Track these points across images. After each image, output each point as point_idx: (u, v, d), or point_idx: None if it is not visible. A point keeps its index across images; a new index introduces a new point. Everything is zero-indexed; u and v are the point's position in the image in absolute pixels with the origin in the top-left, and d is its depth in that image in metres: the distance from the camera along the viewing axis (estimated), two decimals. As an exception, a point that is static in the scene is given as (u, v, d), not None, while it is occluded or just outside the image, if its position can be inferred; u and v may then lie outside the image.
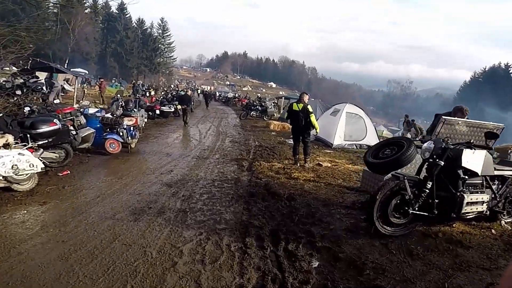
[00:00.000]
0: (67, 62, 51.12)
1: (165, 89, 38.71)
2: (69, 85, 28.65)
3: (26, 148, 5.14)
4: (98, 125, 8.68)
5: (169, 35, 71.40)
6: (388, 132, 30.41)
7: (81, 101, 11.19)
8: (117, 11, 64.88)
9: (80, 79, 35.48)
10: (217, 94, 52.41)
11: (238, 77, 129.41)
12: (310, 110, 8.20)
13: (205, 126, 15.89)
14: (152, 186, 5.83)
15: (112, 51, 61.45)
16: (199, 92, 48.03)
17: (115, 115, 8.58)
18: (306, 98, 8.46)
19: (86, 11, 60.12)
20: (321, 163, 8.47)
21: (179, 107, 19.25)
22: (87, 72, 44.09)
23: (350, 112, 12.54)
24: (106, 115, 8.50)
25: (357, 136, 12.48)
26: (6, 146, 4.87)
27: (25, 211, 4.40)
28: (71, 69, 43.76)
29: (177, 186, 5.85)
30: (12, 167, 4.83)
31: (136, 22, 67.25)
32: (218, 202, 5.17)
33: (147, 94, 28.65)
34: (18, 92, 13.96)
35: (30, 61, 17.22)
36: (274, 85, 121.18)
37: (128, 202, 4.94)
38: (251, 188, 5.99)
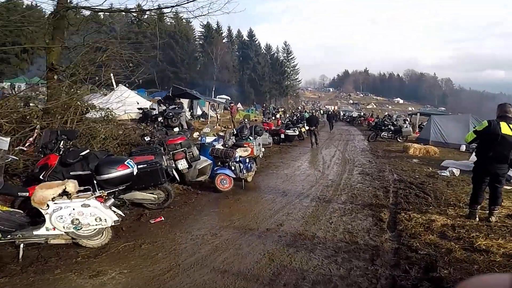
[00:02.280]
0: (213, 89, 56.08)
1: (293, 111, 37.69)
2: (212, 110, 30.02)
3: (96, 197, 3.80)
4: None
5: (293, 57, 71.81)
6: None
7: (204, 128, 10.31)
8: (248, 39, 68.70)
9: (221, 105, 37.83)
10: (341, 113, 48.71)
11: (361, 95, 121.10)
12: None
13: (329, 151, 13.46)
14: (248, 254, 3.84)
15: (248, 78, 64.85)
16: (321, 113, 44.95)
17: (227, 146, 7.10)
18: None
19: (224, 41, 65.76)
20: (514, 214, 5.14)
21: (303, 129, 17.45)
22: (229, 98, 46.92)
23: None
24: (217, 147, 7.09)
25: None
26: (67, 195, 3.63)
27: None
28: (218, 96, 47.45)
29: (281, 260, 3.71)
30: (73, 221, 3.55)
31: (264, 47, 69.85)
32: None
33: (273, 117, 28.00)
34: (160, 118, 14.37)
35: (171, 88, 18.10)
36: (401, 101, 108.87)
37: None
38: (402, 276, 3.41)
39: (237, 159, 6.91)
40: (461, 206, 5.80)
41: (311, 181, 7.92)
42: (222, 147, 6.99)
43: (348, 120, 40.12)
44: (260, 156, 8.84)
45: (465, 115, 17.14)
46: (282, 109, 40.71)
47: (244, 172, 7.18)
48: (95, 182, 4.11)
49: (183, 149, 6.97)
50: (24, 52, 37.15)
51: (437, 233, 4.51)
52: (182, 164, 6.90)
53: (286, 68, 69.65)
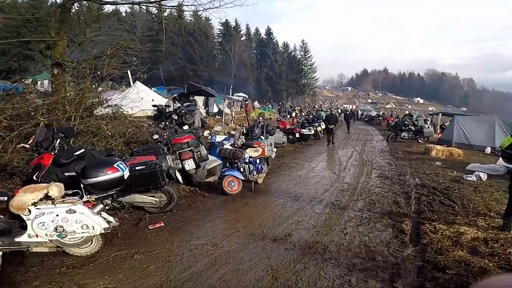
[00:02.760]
0: (231, 87, 55.77)
1: (310, 109, 36.82)
2: (229, 108, 29.61)
3: (84, 203, 3.42)
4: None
5: (310, 56, 70.47)
6: None
7: (215, 126, 9.86)
8: (265, 37, 67.97)
9: (238, 103, 37.53)
10: (360, 112, 47.17)
11: (380, 94, 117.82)
12: None
13: (346, 152, 12.79)
14: (249, 270, 3.37)
15: (265, 76, 64.22)
16: (339, 112, 43.24)
17: (236, 146, 6.64)
18: None
19: (242, 38, 65.34)
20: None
21: (319, 129, 16.79)
22: (246, 96, 46.36)
23: None
24: (225, 146, 6.65)
25: None
26: (51, 199, 3.26)
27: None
28: (235, 94, 47.01)
29: (286, 278, 3.22)
30: (56, 228, 3.18)
31: (282, 46, 69.04)
32: None
33: (289, 116, 27.45)
34: (175, 116, 14.09)
35: (186, 85, 17.73)
36: (421, 101, 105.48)
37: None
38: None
39: (247, 160, 6.45)
40: (492, 215, 5.13)
41: (326, 184, 7.36)
42: (230, 147, 6.53)
43: (366, 119, 38.90)
44: (272, 156, 8.36)
45: (491, 116, 16.01)
46: (299, 107, 39.82)
47: (254, 173, 6.73)
48: (82, 186, 3.72)
49: (190, 148, 6.59)
50: (48, 49, 37.86)
51: (467, 248, 3.91)
52: (189, 164, 6.52)
53: (303, 67, 68.51)
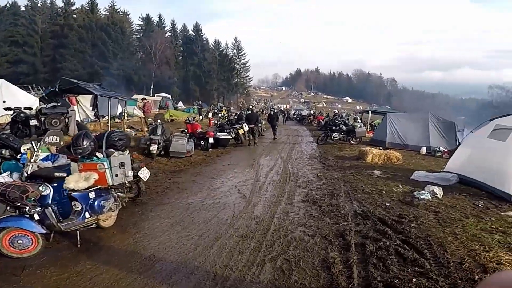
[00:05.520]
0: (151, 87, 50.97)
1: (241, 109, 34.27)
2: (139, 110, 25.45)
3: None
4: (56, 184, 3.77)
5: (243, 54, 68.39)
6: None
7: (47, 137, 6.40)
8: (193, 33, 64.26)
9: (157, 103, 33.76)
10: (292, 112, 45.98)
11: (312, 93, 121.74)
12: None
13: (269, 160, 10.20)
14: None
15: (192, 74, 60.35)
16: (268, 112, 39.95)
17: (26, 175, 3.53)
18: None
19: (166, 35, 60.65)
20: None
21: (241, 131, 14.20)
22: (169, 97, 42.03)
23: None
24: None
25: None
26: None
27: None
28: (156, 94, 42.42)
29: None
30: None
31: (213, 43, 65.96)
32: None
33: (201, 117, 25.18)
34: (33, 122, 10.33)
35: (58, 81, 13.72)
36: (350, 100, 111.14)
37: None
38: None
39: (49, 201, 3.41)
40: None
41: (222, 223, 4.63)
42: (3, 181, 3.37)
43: (298, 119, 37.67)
44: (143, 179, 5.36)
45: (424, 113, 15.06)
46: (225, 107, 36.98)
47: (86, 216, 3.75)
48: None
49: None
50: None
51: None
52: None
53: (235, 65, 66.06)
